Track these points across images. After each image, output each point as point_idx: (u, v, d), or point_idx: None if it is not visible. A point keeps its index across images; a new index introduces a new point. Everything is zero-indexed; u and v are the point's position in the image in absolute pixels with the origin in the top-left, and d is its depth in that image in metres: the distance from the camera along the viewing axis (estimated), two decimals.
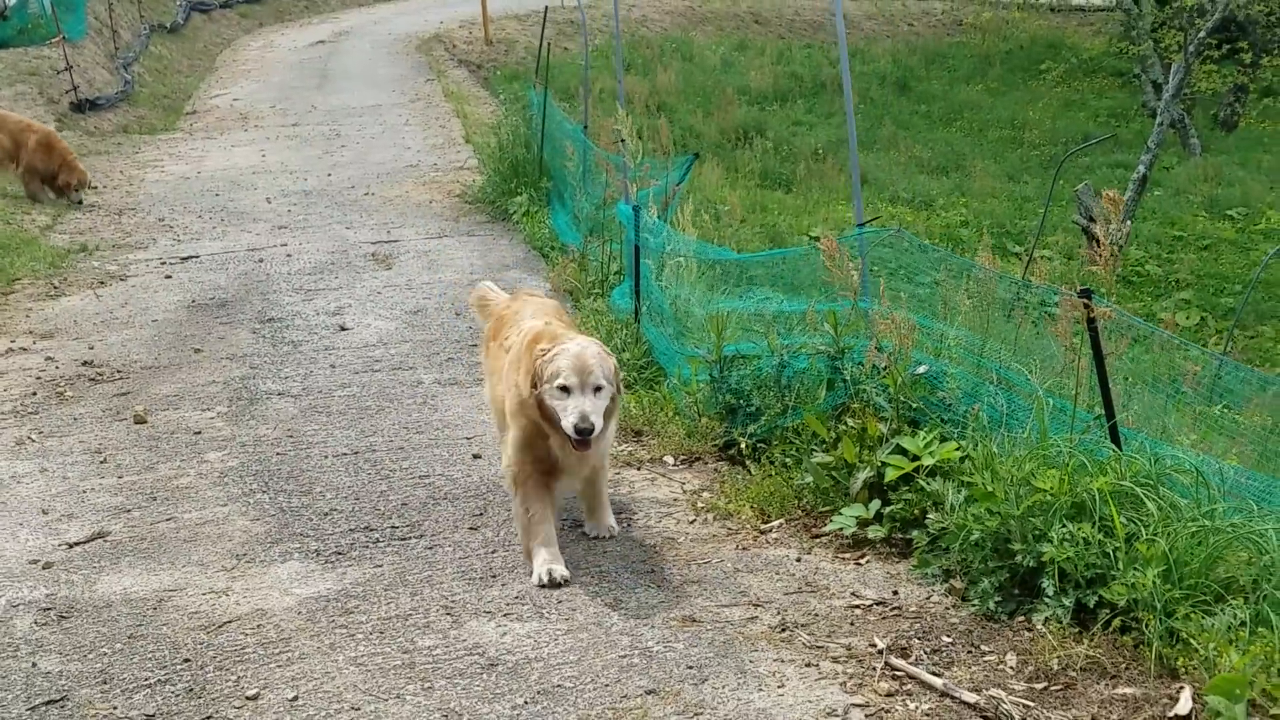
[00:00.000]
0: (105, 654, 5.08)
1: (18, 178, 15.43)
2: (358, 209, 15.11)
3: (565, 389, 5.41)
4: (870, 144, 26.99)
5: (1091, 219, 18.08)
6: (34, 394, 8.69)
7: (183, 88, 26.69)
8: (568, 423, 5.36)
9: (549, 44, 15.87)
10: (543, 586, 5.53)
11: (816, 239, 17.68)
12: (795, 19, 40.38)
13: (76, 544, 6.20)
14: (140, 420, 8.06)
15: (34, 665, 5.01)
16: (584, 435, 5.34)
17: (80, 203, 15.40)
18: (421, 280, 11.65)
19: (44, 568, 5.94)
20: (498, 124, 16.39)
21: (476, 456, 7.30)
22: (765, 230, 18.30)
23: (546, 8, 18.48)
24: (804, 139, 26.87)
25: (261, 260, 12.62)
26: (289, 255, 12.79)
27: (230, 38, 33.71)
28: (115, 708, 4.67)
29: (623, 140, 9.48)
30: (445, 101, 23.95)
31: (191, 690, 4.77)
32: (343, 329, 10.09)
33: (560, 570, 5.59)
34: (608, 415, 5.56)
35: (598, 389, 5.45)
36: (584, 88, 13.91)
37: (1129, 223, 19.46)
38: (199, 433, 7.84)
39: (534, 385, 5.53)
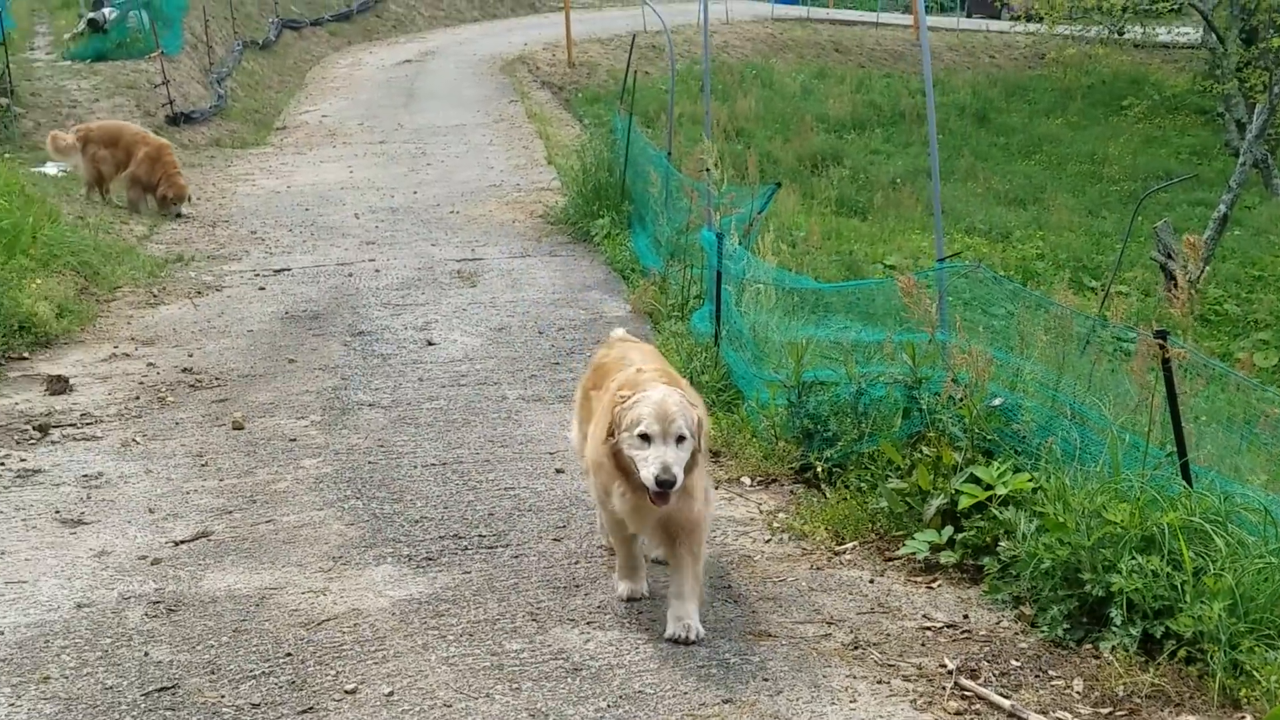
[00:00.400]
0: (212, 646, 5.39)
1: (122, 183, 16.05)
2: (443, 227, 15.48)
3: (646, 437, 5.06)
4: (948, 174, 27.09)
5: (1170, 256, 18.06)
6: (137, 398, 9.07)
7: (273, 103, 27.34)
8: (647, 473, 5.00)
9: (637, 73, 16.14)
10: (622, 600, 5.72)
11: (892, 267, 17.86)
12: (876, 48, 40.54)
13: (182, 542, 6.53)
14: (238, 426, 8.40)
15: (146, 654, 5.32)
16: (665, 488, 4.97)
17: (178, 216, 15.90)
18: (505, 298, 11.95)
19: (152, 563, 6.27)
20: (582, 148, 16.72)
21: (559, 471, 7.54)
22: (841, 258, 18.48)
23: (635, 36, 18.82)
24: (881, 167, 27.04)
25: (351, 275, 13.00)
26: (377, 270, 13.16)
27: (319, 55, 34.44)
28: (223, 696, 4.96)
29: (708, 169, 9.72)
30: (528, 122, 24.37)
31: (293, 683, 5.06)
32: (430, 344, 10.41)
33: (633, 588, 5.73)
34: (688, 469, 5.13)
35: (680, 439, 5.07)
36: (669, 115, 14.18)
37: (1208, 262, 19.40)
38: (294, 440, 8.17)
39: (610, 434, 5.22)
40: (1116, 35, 34.56)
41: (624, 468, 5.19)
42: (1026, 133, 32.62)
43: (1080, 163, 30.29)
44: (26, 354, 10.06)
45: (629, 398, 5.20)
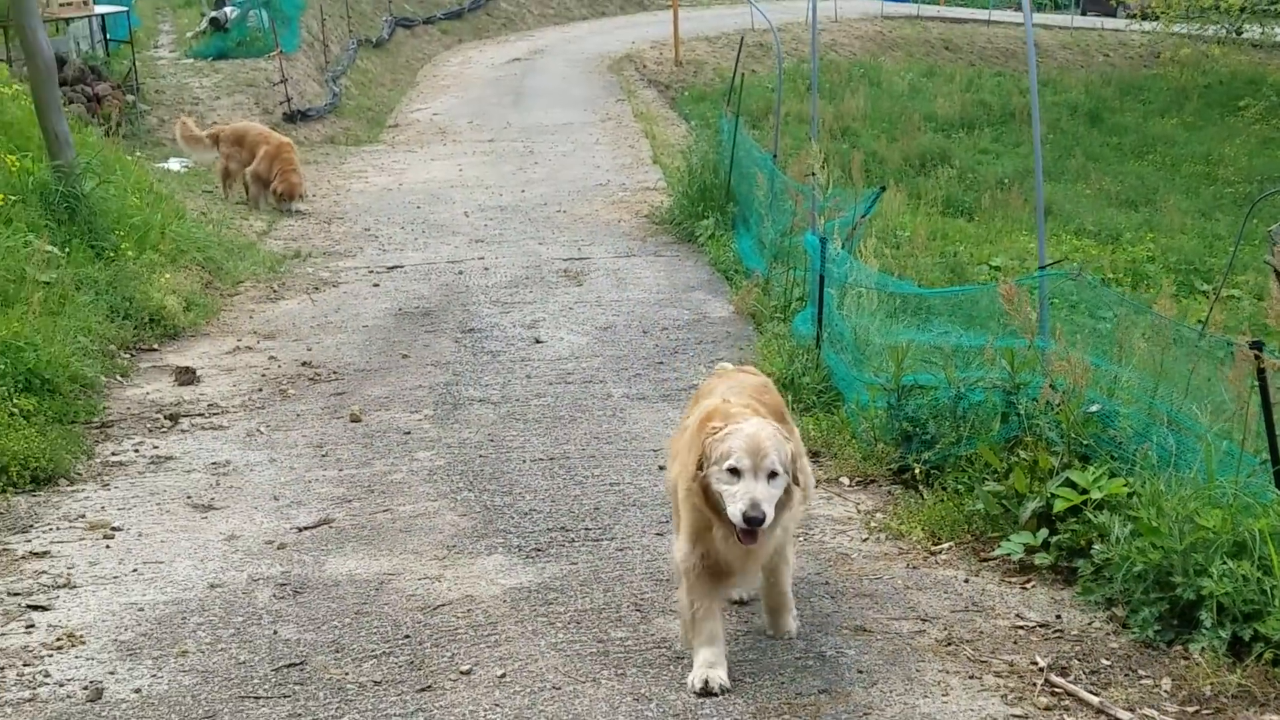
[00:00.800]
0: (336, 626, 5.72)
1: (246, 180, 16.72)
2: (550, 225, 15.80)
3: (735, 471, 4.85)
4: (1059, 175, 26.85)
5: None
6: (260, 390, 9.50)
7: (385, 101, 27.93)
8: (735, 510, 4.80)
9: (744, 74, 16.30)
10: (697, 694, 5.04)
11: (998, 269, 17.79)
12: (987, 46, 40.20)
13: (305, 528, 6.90)
14: (355, 419, 8.77)
15: (275, 633, 5.67)
16: (753, 525, 4.77)
17: (289, 211, 16.43)
18: (610, 298, 12.22)
19: (278, 548, 6.63)
20: (688, 149, 16.93)
21: (662, 468, 7.71)
22: (945, 260, 18.45)
23: (743, 39, 18.96)
24: (989, 168, 26.84)
25: (461, 272, 13.37)
26: (486, 269, 13.51)
27: (431, 53, 35.05)
28: (347, 673, 5.28)
29: (813, 174, 9.89)
30: (634, 122, 24.64)
31: (412, 663, 5.36)
32: (537, 342, 10.71)
33: (719, 677, 5.07)
34: (780, 507, 4.95)
35: (772, 475, 4.86)
36: (775, 116, 14.34)
37: None
38: (408, 433, 8.51)
39: (699, 467, 4.99)
40: (1234, 35, 33.90)
41: (713, 504, 4.97)
42: (1140, 133, 32.16)
43: (1194, 164, 29.79)
44: (156, 345, 10.58)
45: (720, 429, 4.99)
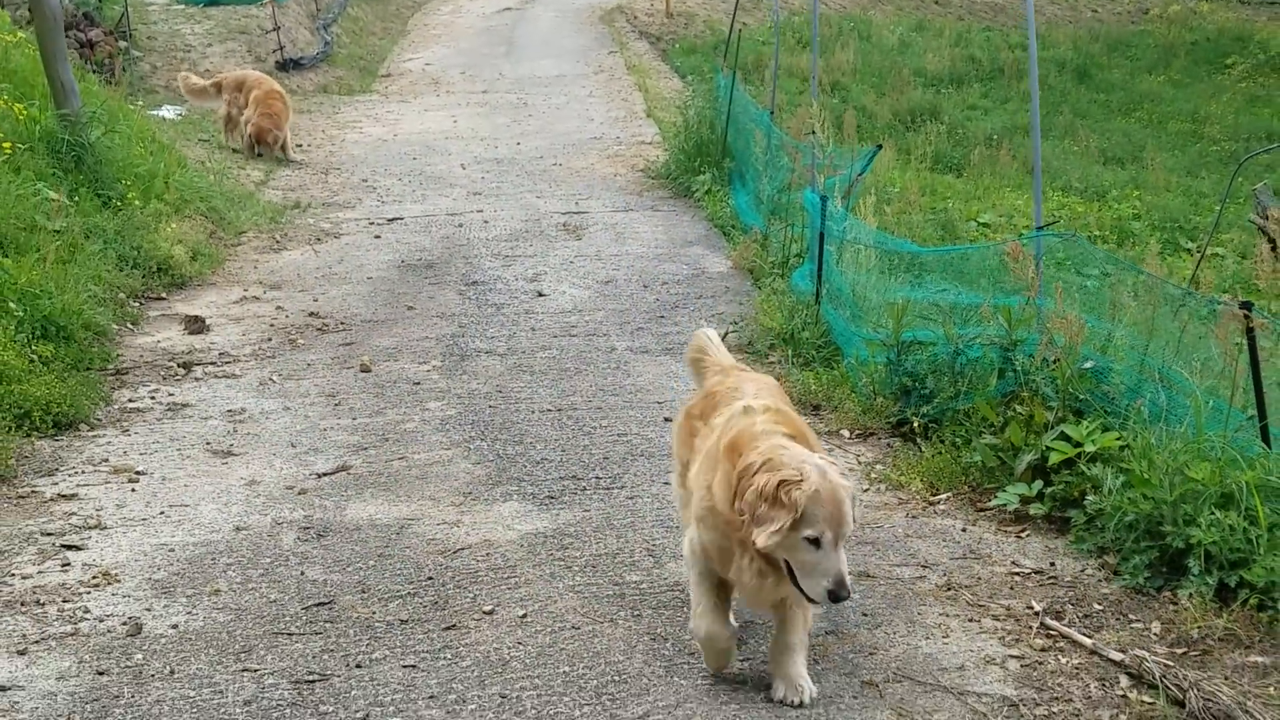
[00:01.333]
0: (361, 568, 5.95)
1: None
2: (547, 179, 15.95)
3: (815, 542, 4.29)
4: (1046, 131, 26.93)
5: (1268, 218, 18.00)
6: (269, 339, 9.68)
7: (377, 50, 27.87)
8: (816, 586, 4.31)
9: (740, 28, 16.41)
10: (696, 638, 4.97)
11: (986, 225, 17.98)
12: (976, 1, 40.21)
13: (324, 474, 7.12)
14: (365, 369, 8.98)
15: (303, 574, 5.90)
16: (839, 602, 4.42)
17: (258, 155, 16.46)
18: (610, 251, 12.40)
19: (299, 494, 6.86)
20: (684, 104, 17.04)
21: (668, 419, 7.97)
22: (936, 216, 18.63)
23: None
24: (978, 124, 26.94)
25: (460, 225, 13.53)
26: (486, 221, 13.68)
27: (420, 1, 34.91)
28: (374, 612, 5.52)
29: (813, 133, 10.07)
30: (627, 74, 24.68)
31: (436, 603, 5.61)
32: (540, 295, 10.91)
33: (709, 627, 4.84)
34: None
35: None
36: (773, 75, 14.48)
37: None
38: (418, 383, 8.72)
39: (739, 508, 4.43)
40: None
41: (749, 539, 4.41)
42: (1127, 90, 32.24)
43: (1181, 121, 29.92)
44: (164, 294, 10.76)
45: (795, 482, 4.30)
